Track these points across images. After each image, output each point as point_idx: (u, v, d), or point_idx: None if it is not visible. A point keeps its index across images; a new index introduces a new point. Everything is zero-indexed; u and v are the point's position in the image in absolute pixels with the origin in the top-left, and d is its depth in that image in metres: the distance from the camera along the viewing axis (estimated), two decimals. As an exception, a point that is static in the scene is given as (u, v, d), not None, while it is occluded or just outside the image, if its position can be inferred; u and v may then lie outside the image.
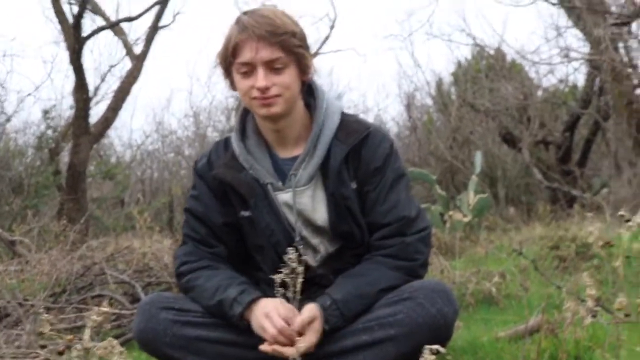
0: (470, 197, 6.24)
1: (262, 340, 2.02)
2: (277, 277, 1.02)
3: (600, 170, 10.05)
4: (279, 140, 2.16)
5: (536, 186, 9.58)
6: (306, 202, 2.13)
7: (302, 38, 2.09)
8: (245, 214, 2.14)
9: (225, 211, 2.17)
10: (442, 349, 1.61)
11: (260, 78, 2.02)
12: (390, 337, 1.98)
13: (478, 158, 6.97)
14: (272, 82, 2.03)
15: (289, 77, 2.06)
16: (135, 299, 3.47)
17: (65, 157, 8.35)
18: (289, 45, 2.04)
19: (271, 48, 2.01)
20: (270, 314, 1.96)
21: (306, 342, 1.95)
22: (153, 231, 5.54)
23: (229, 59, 2.06)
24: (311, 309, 1.99)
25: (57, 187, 7.74)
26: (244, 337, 2.09)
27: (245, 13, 2.11)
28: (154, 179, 11.99)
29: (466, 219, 6.04)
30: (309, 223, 2.15)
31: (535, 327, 2.59)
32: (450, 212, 5.88)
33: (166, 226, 8.33)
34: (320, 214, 2.14)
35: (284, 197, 2.13)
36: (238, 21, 2.05)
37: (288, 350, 1.93)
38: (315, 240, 2.15)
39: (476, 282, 3.59)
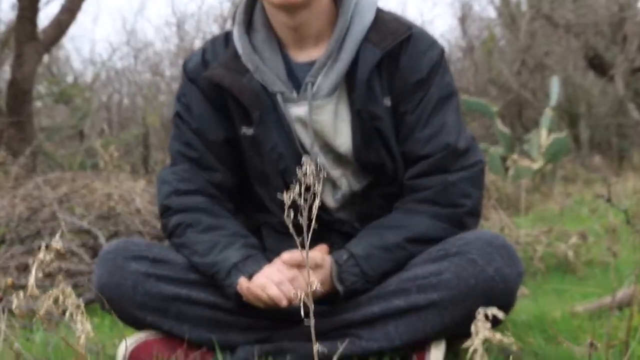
0: (543, 137, 6.19)
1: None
2: (285, 197, 1.00)
3: None
4: (295, 40, 2.15)
5: (631, 127, 9.49)
6: (326, 120, 2.13)
7: None
8: (248, 131, 2.14)
9: (225, 124, 2.18)
10: (501, 315, 1.60)
11: None
12: (432, 302, 2.00)
13: (555, 86, 6.90)
14: None
15: None
16: (97, 253, 3.48)
17: (5, 72, 8.34)
18: None
19: None
20: (266, 286, 1.97)
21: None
22: (122, 171, 5.57)
23: None
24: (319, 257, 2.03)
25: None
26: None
27: None
28: (123, 106, 12.02)
29: (536, 165, 6.02)
30: (328, 149, 2.15)
31: (624, 301, 2.59)
32: (515, 156, 5.86)
33: (139, 166, 8.37)
34: (343, 138, 2.14)
35: (297, 111, 2.12)
36: None
37: (283, 299, 1.96)
38: (335, 173, 2.16)
39: (547, 243, 3.60)
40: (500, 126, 6.52)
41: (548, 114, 6.48)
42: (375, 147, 2.13)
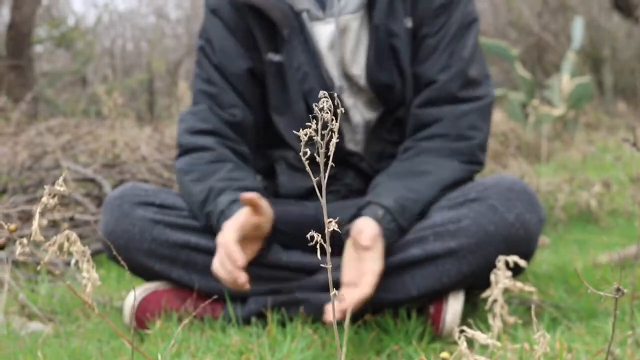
0: (565, 82, 6.15)
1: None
2: (303, 134, 0.99)
3: None
4: None
5: (657, 72, 9.44)
6: (349, 42, 2.19)
7: None
8: (275, 57, 2.20)
9: (248, 53, 2.23)
10: (522, 263, 1.60)
11: None
12: (450, 250, 2.01)
13: (578, 28, 6.83)
14: None
15: None
16: (102, 202, 3.49)
17: (4, 15, 8.33)
18: None
19: None
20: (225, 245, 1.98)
21: (362, 292, 1.95)
22: (126, 118, 5.57)
23: None
24: (369, 226, 2.00)
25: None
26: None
27: None
28: (127, 51, 11.98)
29: (557, 112, 5.99)
30: (345, 77, 2.21)
31: (649, 251, 2.59)
32: (536, 102, 5.83)
33: (145, 113, 8.37)
34: (360, 66, 2.21)
35: (323, 29, 2.18)
36: None
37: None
38: (348, 101, 2.22)
39: (570, 192, 3.60)
40: (520, 71, 6.46)
41: (570, 58, 6.44)
42: (388, 66, 2.18)
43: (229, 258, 1.94)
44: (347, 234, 2.02)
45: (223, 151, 2.18)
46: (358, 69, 2.20)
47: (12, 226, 1.39)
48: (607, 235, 3.18)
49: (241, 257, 1.93)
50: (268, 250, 2.13)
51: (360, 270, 1.95)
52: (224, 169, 2.14)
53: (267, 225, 2.06)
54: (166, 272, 2.14)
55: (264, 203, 2.01)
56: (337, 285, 2.00)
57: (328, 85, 2.18)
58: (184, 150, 2.22)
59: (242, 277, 1.94)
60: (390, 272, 2.06)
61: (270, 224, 2.07)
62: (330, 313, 1.74)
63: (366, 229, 1.97)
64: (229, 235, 1.96)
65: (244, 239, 2.01)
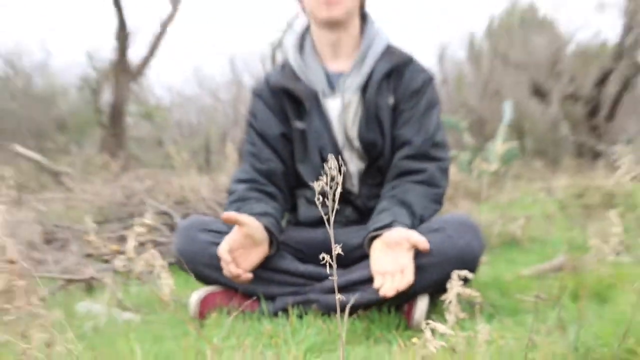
0: (498, 146, 6.12)
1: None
2: (317, 183, 1.01)
3: (627, 126, 9.85)
4: (332, 55, 2.26)
5: (563, 140, 9.41)
6: (350, 113, 2.21)
7: None
8: (300, 125, 2.23)
9: (282, 123, 2.25)
10: (470, 275, 1.60)
11: None
12: (420, 266, 1.99)
13: (508, 108, 6.81)
14: None
15: None
16: (173, 229, 3.50)
17: (107, 97, 8.37)
18: None
19: None
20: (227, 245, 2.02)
21: (408, 278, 1.95)
22: (191, 170, 5.56)
23: None
24: (410, 232, 1.99)
25: (99, 124, 7.79)
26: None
27: None
28: (191, 123, 11.99)
29: (493, 167, 5.94)
30: (346, 137, 2.22)
31: (557, 267, 2.59)
32: (478, 160, 5.79)
33: (203, 166, 8.36)
34: (356, 129, 2.22)
35: (333, 104, 2.21)
36: None
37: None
38: (347, 155, 2.23)
39: (502, 224, 3.57)
40: (467, 138, 6.47)
41: (502, 129, 6.42)
42: (373, 129, 2.20)
43: (225, 262, 2.00)
44: (369, 242, 2.03)
45: (247, 193, 2.18)
46: (354, 132, 2.22)
47: (114, 247, 1.41)
48: (528, 255, 3.17)
49: (228, 260, 2.00)
50: (274, 256, 2.13)
51: (398, 263, 1.95)
52: (245, 204, 2.15)
53: (257, 232, 2.05)
54: (219, 279, 2.13)
55: (244, 217, 2.03)
56: (343, 288, 2.01)
57: (335, 143, 2.20)
58: (229, 193, 2.24)
59: (237, 273, 2.02)
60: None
61: (261, 231, 2.06)
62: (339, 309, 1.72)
63: (413, 234, 1.98)
64: (222, 246, 2.02)
65: (244, 247, 2.04)
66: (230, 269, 2.01)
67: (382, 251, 2.00)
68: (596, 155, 8.55)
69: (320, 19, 2.19)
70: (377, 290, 2.02)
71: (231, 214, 2.02)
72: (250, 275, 2.06)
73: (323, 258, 1.04)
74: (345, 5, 2.17)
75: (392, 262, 1.97)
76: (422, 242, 1.96)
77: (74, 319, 2.11)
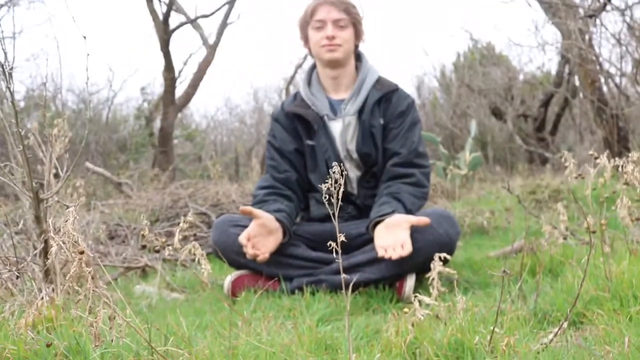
0: (467, 156, 6.11)
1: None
2: (324, 186, 0.99)
3: (567, 138, 9.89)
4: (334, 86, 2.25)
5: (517, 149, 9.38)
6: (349, 132, 2.21)
7: (359, 11, 2.21)
8: (310, 142, 2.22)
9: (295, 140, 2.25)
10: (448, 257, 1.58)
11: (330, 30, 2.15)
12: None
13: (473, 126, 6.81)
14: (337, 34, 2.16)
15: (348, 34, 2.19)
16: (210, 225, 3.48)
17: (157, 123, 8.38)
18: (350, 12, 2.17)
19: (338, 11, 2.15)
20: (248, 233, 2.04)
21: (409, 249, 1.93)
22: (223, 178, 5.56)
23: (307, 19, 2.18)
24: (408, 216, 1.99)
25: (151, 145, 7.79)
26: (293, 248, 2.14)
27: None
28: (223, 142, 12.01)
29: (463, 172, 5.94)
30: (346, 150, 2.21)
31: (518, 249, 2.55)
32: (451, 167, 5.78)
33: (233, 176, 8.36)
34: (354, 144, 2.21)
35: (335, 125, 2.21)
36: None
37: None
38: (347, 164, 2.23)
39: (471, 217, 3.55)
40: (442, 149, 6.43)
41: (469, 142, 6.40)
42: (368, 143, 2.19)
43: (245, 247, 2.01)
44: (373, 227, 2.01)
45: (266, 197, 2.17)
46: (353, 146, 2.20)
47: (163, 240, 1.39)
48: (493, 241, 3.14)
49: (245, 244, 2.02)
50: (291, 245, 2.12)
51: (397, 238, 1.93)
52: (265, 204, 2.14)
53: (270, 223, 2.04)
54: (247, 264, 2.12)
55: (257, 210, 2.03)
56: (347, 270, 1.98)
57: (338, 155, 2.19)
58: (253, 196, 2.22)
59: (255, 254, 2.03)
60: (373, 262, 2.03)
61: (273, 221, 2.05)
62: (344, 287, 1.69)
63: (411, 217, 1.98)
64: (242, 234, 2.04)
65: (261, 235, 2.03)
66: (248, 251, 1.99)
67: (384, 231, 1.98)
68: (544, 161, 8.54)
69: (324, 59, 2.19)
70: (375, 271, 2.00)
71: (247, 208, 2.03)
72: (267, 256, 2.03)
73: (330, 245, 1.02)
74: (344, 49, 2.18)
75: (392, 238, 1.95)
76: (422, 220, 1.95)
77: (132, 299, 2.10)
